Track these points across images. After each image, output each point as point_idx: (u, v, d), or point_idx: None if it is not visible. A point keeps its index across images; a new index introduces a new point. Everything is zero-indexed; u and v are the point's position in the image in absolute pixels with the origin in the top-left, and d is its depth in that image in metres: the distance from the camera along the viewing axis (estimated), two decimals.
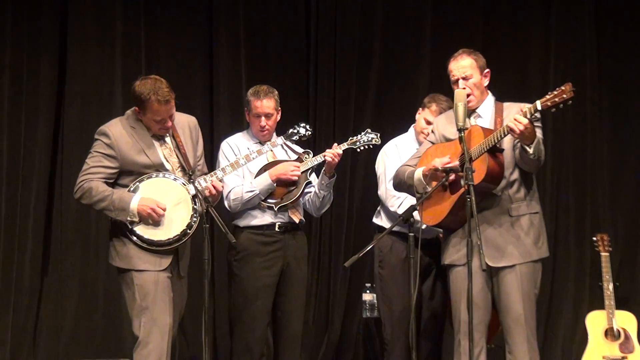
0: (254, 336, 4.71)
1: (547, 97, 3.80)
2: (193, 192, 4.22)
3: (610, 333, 5.45)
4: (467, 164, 3.85)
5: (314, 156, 4.83)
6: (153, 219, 4.15)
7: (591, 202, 6.32)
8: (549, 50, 6.38)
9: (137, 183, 4.20)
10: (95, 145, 4.25)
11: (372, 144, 4.88)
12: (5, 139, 5.90)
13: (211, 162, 5.33)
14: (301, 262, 4.86)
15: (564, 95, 3.75)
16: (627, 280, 6.09)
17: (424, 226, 4.25)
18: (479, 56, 4.29)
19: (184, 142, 4.34)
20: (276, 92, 4.87)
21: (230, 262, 4.82)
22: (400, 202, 4.72)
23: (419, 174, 4.20)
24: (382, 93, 6.33)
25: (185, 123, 4.41)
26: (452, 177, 4.09)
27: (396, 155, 4.84)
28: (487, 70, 4.29)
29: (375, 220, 4.96)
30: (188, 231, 4.20)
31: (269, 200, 4.75)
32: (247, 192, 4.74)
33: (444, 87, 4.68)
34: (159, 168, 4.25)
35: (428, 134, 4.71)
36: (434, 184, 4.10)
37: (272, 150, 4.82)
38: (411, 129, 4.95)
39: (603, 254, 5.61)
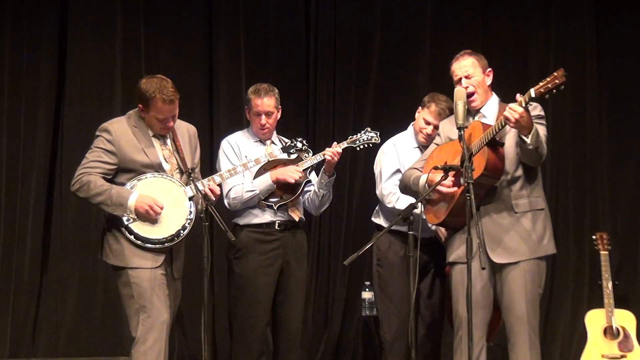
0: (253, 334, 4.71)
1: (541, 84, 3.81)
2: (190, 194, 4.24)
3: (610, 332, 5.45)
4: (467, 162, 3.86)
5: (313, 155, 4.83)
6: (150, 217, 4.15)
7: (590, 201, 6.33)
8: (548, 49, 6.38)
9: (136, 181, 4.20)
10: (96, 140, 4.26)
11: (372, 143, 4.88)
12: (5, 138, 5.91)
13: (211, 161, 5.35)
14: (301, 261, 4.86)
15: (557, 81, 3.76)
16: (626, 279, 6.09)
17: (423, 225, 4.25)
18: (480, 56, 4.30)
19: (183, 147, 4.36)
20: (277, 91, 4.87)
21: (230, 260, 4.82)
22: (397, 197, 4.72)
23: (423, 180, 4.20)
24: (382, 92, 6.33)
25: (185, 130, 4.43)
26: (452, 176, 4.09)
27: (394, 154, 4.84)
28: (489, 69, 4.29)
29: (373, 219, 4.96)
30: (182, 232, 4.20)
31: (269, 199, 4.76)
32: (248, 191, 4.74)
33: (444, 87, 4.68)
34: (158, 168, 4.25)
35: (427, 133, 4.73)
36: (434, 182, 4.10)
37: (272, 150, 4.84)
38: (410, 127, 4.94)
39: (602, 252, 5.61)
